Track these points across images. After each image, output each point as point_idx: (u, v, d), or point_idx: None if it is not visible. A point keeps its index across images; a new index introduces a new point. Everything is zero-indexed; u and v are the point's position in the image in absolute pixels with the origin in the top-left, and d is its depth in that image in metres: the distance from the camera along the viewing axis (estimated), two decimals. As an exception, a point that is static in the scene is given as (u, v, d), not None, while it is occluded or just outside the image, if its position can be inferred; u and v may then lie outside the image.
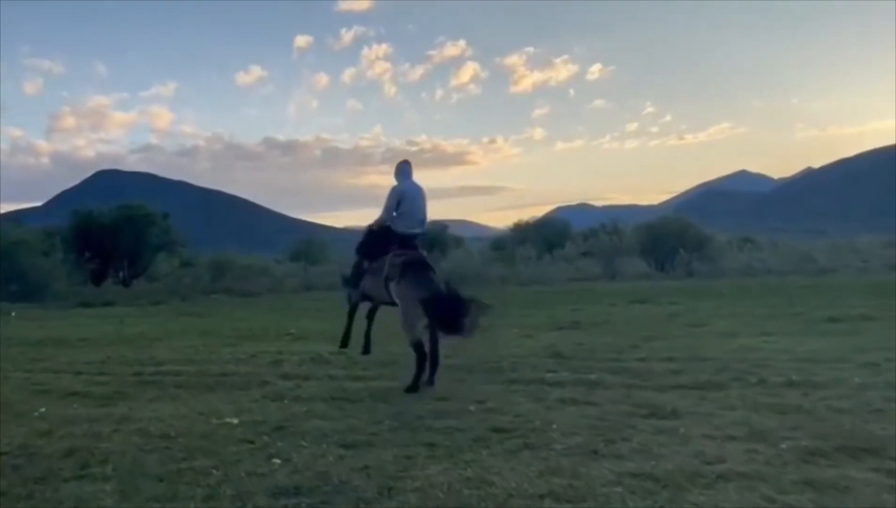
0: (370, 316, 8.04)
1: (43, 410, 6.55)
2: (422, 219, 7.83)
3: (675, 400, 6.01)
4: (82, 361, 9.74)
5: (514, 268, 34.77)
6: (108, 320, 16.73)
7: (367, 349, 7.99)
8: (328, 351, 9.45)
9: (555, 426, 5.23)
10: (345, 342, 8.05)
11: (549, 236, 48.64)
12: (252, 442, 5.12)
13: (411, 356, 7.07)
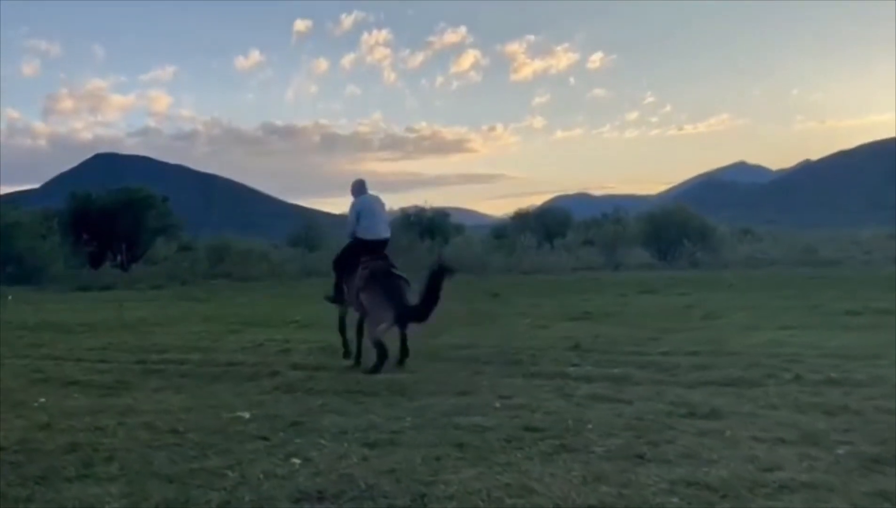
0: (360, 328, 8.04)
1: (42, 400, 6.22)
2: (384, 225, 8.43)
3: (710, 398, 5.68)
4: (82, 347, 9.41)
5: (515, 257, 34.48)
6: (107, 304, 16.40)
7: (357, 361, 7.88)
8: (338, 340, 9.13)
9: (590, 425, 4.90)
10: (347, 355, 8.13)
11: (549, 225, 48.41)
12: (267, 439, 4.79)
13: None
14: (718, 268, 28.04)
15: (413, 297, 7.61)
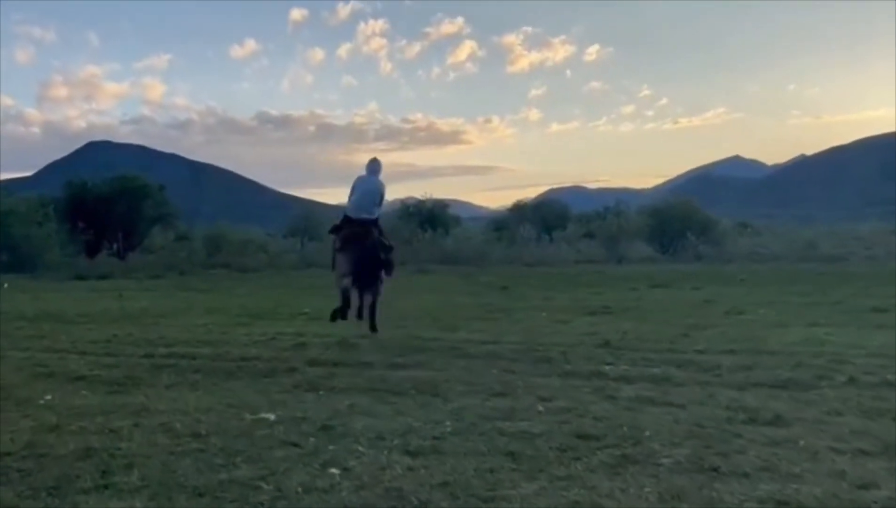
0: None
1: (49, 397, 5.81)
2: (367, 207, 9.01)
3: (767, 402, 5.31)
4: (86, 339, 8.99)
5: (515, 249, 34.14)
6: (106, 294, 15.98)
7: (344, 315, 8.97)
8: (354, 335, 8.77)
9: (647, 432, 4.51)
10: (341, 315, 9.02)
11: (547, 218, 48.05)
12: (298, 445, 4.39)
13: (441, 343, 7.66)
14: (722, 262, 27.84)
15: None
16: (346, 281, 8.90)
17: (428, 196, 43.33)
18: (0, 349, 8.23)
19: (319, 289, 17.14)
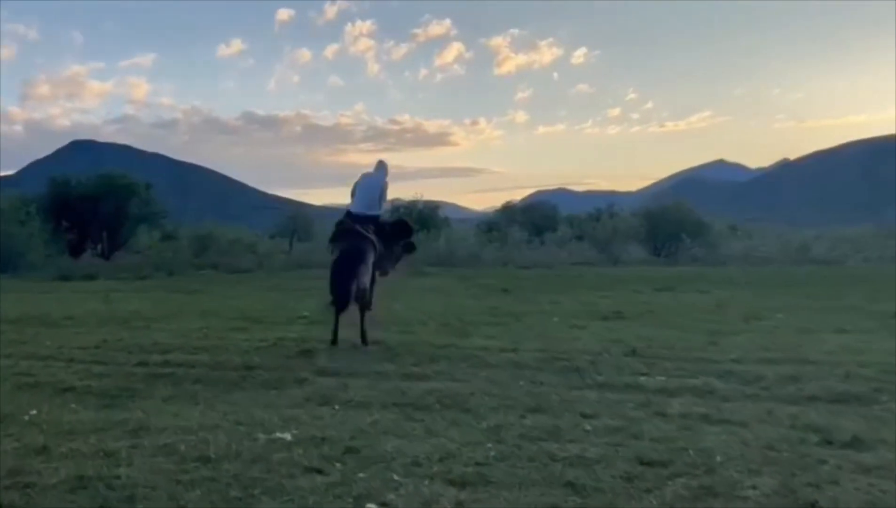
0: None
1: (34, 412, 5.23)
2: (367, 204, 8.98)
3: (834, 419, 4.82)
4: (73, 345, 8.37)
5: (506, 250, 33.65)
6: (92, 295, 15.29)
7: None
8: (373, 340, 8.20)
9: (718, 457, 4.01)
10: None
11: (536, 220, 47.63)
12: (323, 472, 3.86)
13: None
14: (716, 265, 27.47)
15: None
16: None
17: (419, 197, 42.76)
18: (-20, 355, 7.61)
19: (314, 292, 16.63)
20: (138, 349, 8.04)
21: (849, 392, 5.61)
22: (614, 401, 5.40)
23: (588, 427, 4.64)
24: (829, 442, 4.31)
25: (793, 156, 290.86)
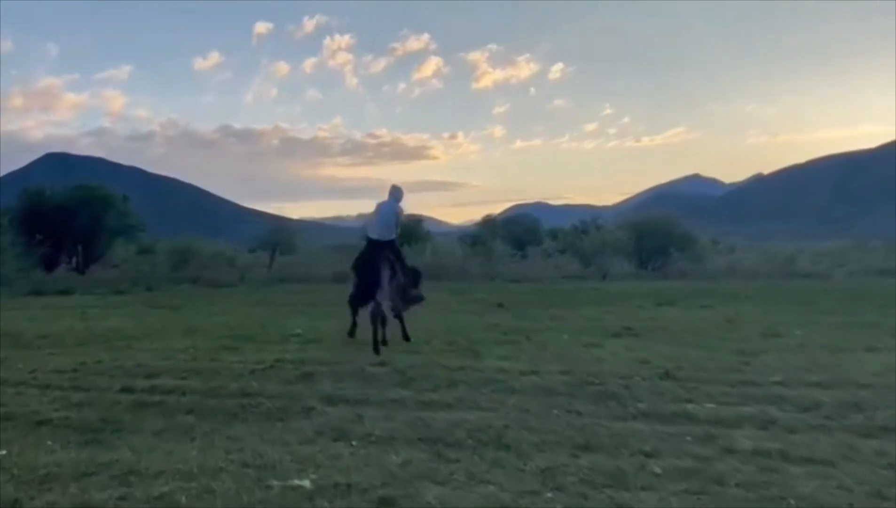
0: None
1: (3, 453, 4.50)
2: (382, 229, 9.51)
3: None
4: (48, 368, 7.59)
5: (491, 264, 33.07)
6: (68, 311, 14.44)
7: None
8: (369, 362, 7.51)
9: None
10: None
11: (518, 233, 47.17)
12: (359, 533, 3.18)
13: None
14: (705, 278, 27.07)
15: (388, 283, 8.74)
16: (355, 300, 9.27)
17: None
18: (-57, 381, 6.83)
19: (302, 307, 15.91)
20: (121, 372, 7.30)
21: (922, 422, 5.02)
22: (670, 435, 4.77)
23: (657, 470, 4.01)
24: (941, 486, 3.70)
25: (766, 171, 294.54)
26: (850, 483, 3.75)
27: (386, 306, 8.78)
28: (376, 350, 8.28)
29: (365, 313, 8.89)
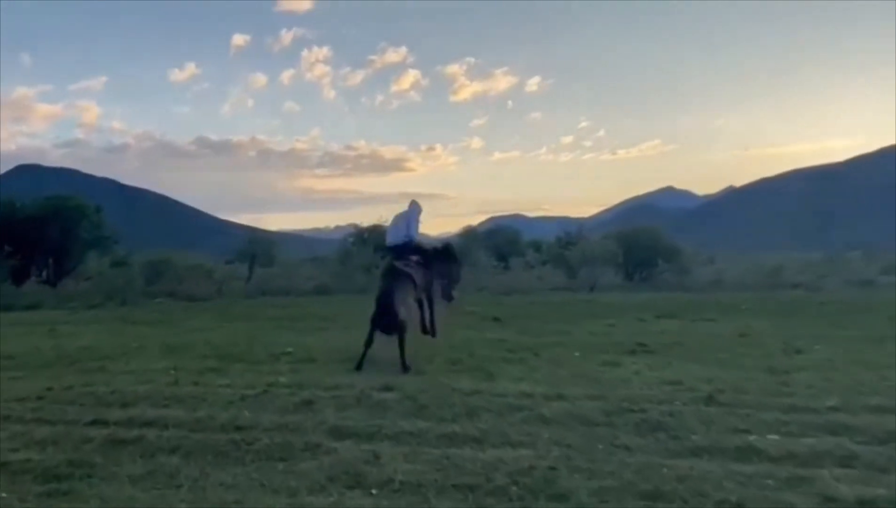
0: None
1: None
2: (399, 234, 9.57)
3: None
4: (10, 396, 6.70)
5: (477, 275, 32.36)
6: (36, 328, 13.47)
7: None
8: (373, 387, 6.71)
9: None
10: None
11: (500, 244, 46.59)
12: None
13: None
14: (693, 290, 26.60)
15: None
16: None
17: (384, 221, 41.20)
18: None
19: (287, 322, 15.04)
20: (93, 400, 6.46)
21: None
22: (747, 477, 4.06)
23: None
24: None
25: (738, 183, 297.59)
26: None
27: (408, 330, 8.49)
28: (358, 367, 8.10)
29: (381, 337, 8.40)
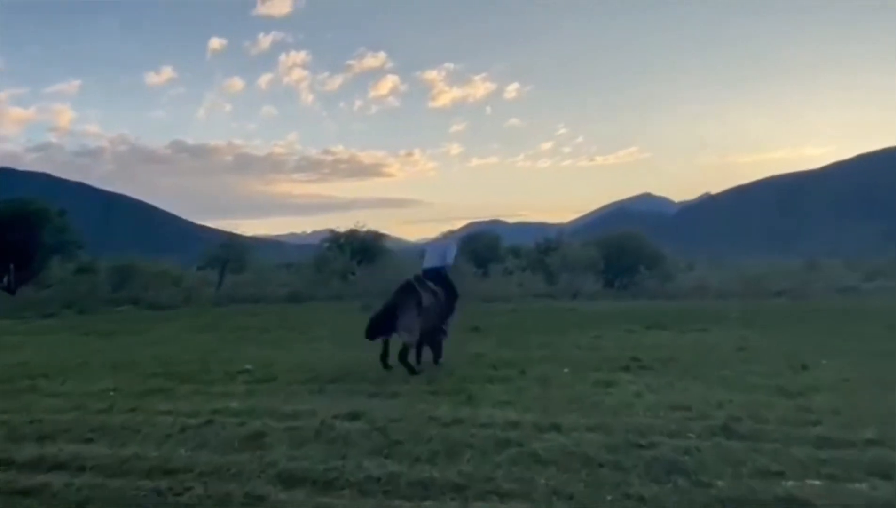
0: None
1: None
2: (430, 258, 9.80)
3: None
4: None
5: (455, 281, 31.44)
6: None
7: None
8: (337, 414, 5.77)
9: None
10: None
11: (480, 250, 45.82)
12: None
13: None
14: (677, 298, 25.95)
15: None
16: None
17: (361, 226, 40.14)
18: None
19: (254, 333, 14.06)
20: (5, 431, 5.47)
21: None
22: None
23: None
24: None
25: (715, 190, 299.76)
26: None
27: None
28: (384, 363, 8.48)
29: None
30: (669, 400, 6.47)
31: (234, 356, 9.77)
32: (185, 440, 5.13)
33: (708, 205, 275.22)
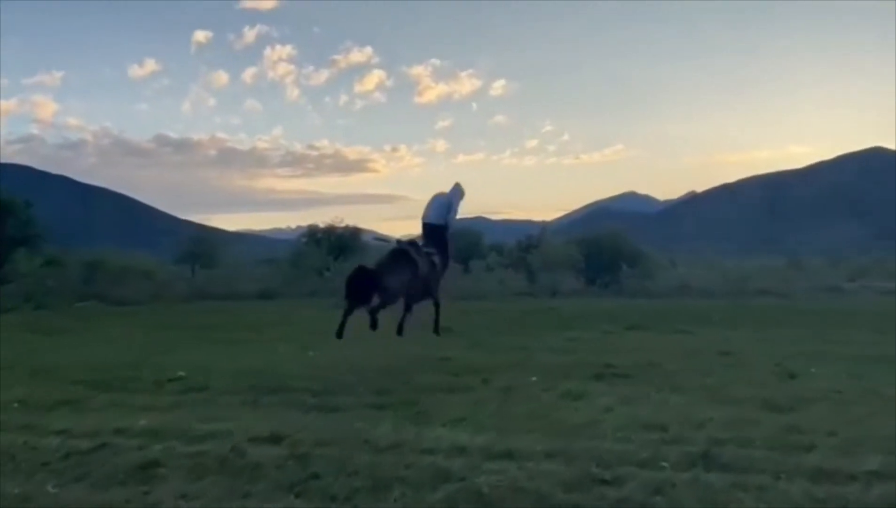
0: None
1: None
2: (431, 212, 9.25)
3: None
4: None
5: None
6: None
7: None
8: (255, 436, 4.96)
9: None
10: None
11: (461, 247, 45.10)
12: None
13: None
14: (659, 296, 25.39)
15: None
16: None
17: (340, 221, 39.24)
18: None
19: (208, 332, 13.24)
20: None
21: None
22: None
23: None
24: None
25: (700, 188, 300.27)
26: None
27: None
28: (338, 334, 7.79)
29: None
30: (643, 418, 5.70)
31: (173, 359, 8.94)
32: (62, 470, 4.30)
33: (692, 203, 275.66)
